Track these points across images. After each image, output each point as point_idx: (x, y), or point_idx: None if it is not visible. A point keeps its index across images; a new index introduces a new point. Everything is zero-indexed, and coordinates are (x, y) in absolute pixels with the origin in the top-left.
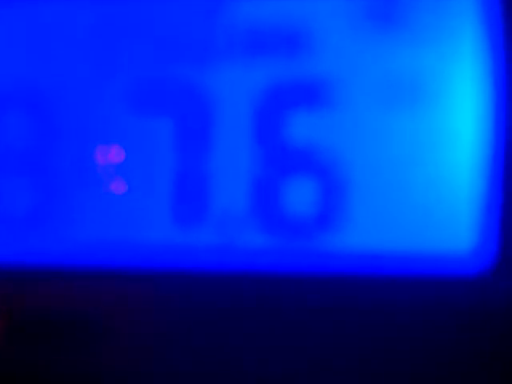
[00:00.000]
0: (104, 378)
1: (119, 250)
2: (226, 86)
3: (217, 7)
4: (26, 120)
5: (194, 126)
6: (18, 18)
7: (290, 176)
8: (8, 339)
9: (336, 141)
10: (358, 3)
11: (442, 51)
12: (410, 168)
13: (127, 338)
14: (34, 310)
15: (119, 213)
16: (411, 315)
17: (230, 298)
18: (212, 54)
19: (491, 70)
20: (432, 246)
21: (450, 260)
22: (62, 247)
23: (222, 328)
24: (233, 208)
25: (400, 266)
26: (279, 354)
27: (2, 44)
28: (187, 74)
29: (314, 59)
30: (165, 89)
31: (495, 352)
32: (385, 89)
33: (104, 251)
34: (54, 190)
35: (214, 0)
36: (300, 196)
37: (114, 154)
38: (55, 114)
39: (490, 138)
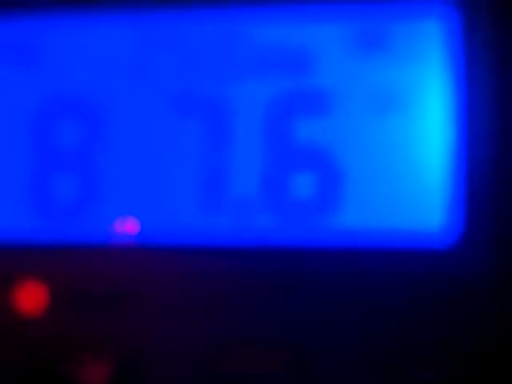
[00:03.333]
0: (132, 344)
1: (153, 230)
2: (243, 96)
3: (235, 33)
4: (79, 125)
5: (217, 128)
6: (76, 41)
7: (295, 169)
8: (56, 306)
9: (333, 141)
10: (351, 31)
11: (416, 69)
12: (392, 162)
13: (159, 308)
14: (77, 282)
15: (154, 199)
16: (391, 282)
17: (245, 269)
18: (232, 70)
19: (454, 82)
20: (409, 223)
21: (424, 235)
22: (103, 228)
23: (240, 296)
24: (248, 195)
25: (382, 240)
26: (285, 314)
27: (61, 62)
28: (212, 86)
29: (316, 75)
30: (195, 98)
31: (460, 315)
32: (372, 99)
33: (140, 231)
34: (100, 181)
35: (233, 27)
36: (303, 186)
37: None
38: (103, 120)
39: (454, 136)
